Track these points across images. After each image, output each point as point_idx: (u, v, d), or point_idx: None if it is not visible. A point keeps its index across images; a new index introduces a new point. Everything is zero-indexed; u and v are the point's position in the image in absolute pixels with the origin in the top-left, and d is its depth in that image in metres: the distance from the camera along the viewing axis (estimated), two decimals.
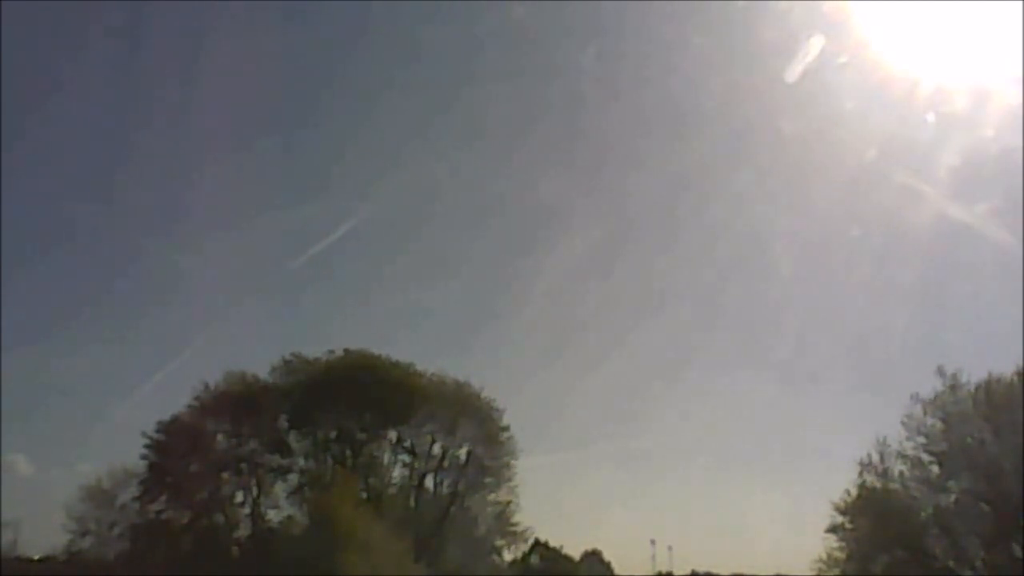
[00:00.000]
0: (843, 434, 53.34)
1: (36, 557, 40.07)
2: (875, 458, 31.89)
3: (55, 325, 58.90)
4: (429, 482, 42.87)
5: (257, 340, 55.01)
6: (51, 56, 53.44)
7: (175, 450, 38.67)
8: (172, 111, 58.89)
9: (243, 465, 40.73)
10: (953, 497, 30.96)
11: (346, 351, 42.46)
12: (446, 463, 42.55)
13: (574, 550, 55.23)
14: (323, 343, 43.73)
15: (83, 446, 56.83)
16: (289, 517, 40.67)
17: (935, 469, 31.26)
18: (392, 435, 42.62)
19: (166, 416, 40.06)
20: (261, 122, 61.48)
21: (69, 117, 55.70)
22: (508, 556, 45.80)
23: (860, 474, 32.15)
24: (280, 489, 41.31)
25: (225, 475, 40.39)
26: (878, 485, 32.02)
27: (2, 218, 51.44)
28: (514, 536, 44.27)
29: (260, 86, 57.09)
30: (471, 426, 42.12)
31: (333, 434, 42.13)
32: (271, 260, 64.67)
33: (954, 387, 30.82)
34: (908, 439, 31.35)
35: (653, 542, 56.01)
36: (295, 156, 64.79)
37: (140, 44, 54.58)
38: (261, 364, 42.73)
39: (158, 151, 58.58)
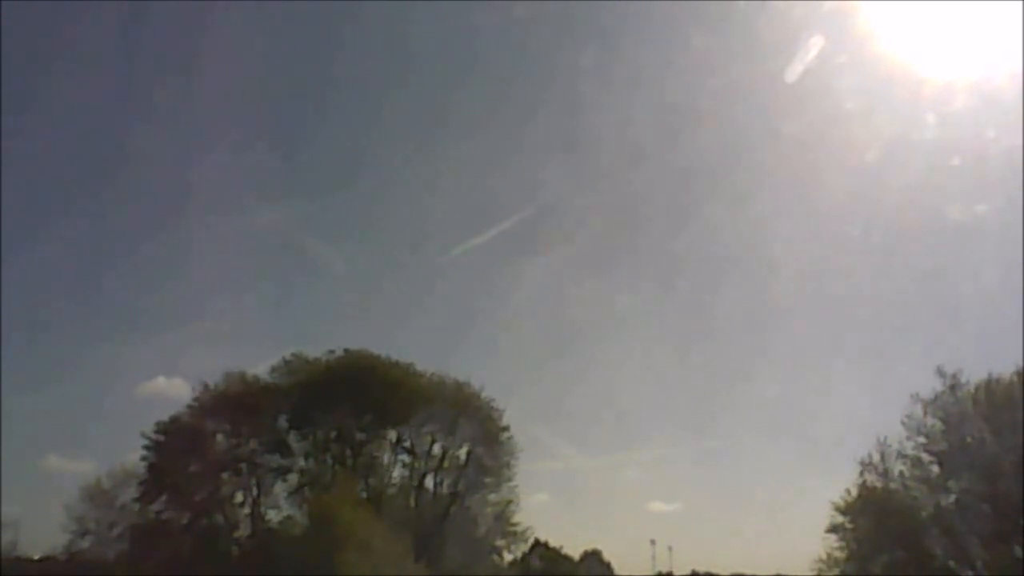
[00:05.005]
0: (843, 434, 53.41)
1: (36, 557, 40.06)
2: (875, 458, 31.91)
3: (55, 325, 58.95)
4: (429, 482, 42.89)
5: (257, 340, 54.98)
6: (50, 55, 53.51)
7: (175, 450, 38.67)
8: (171, 109, 59.12)
9: (243, 465, 40.73)
10: (953, 497, 30.94)
11: (346, 351, 42.45)
12: (446, 463, 42.52)
13: (574, 550, 55.33)
14: (323, 343, 43.78)
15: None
16: (289, 517, 40.74)
17: (935, 469, 31.25)
18: (392, 435, 42.61)
19: (165, 416, 40.24)
20: (261, 120, 61.57)
21: (67, 117, 55.80)
22: (508, 556, 45.80)
23: (860, 474, 32.19)
24: (280, 489, 41.40)
25: (225, 475, 40.38)
26: (878, 485, 32.02)
27: (2, 219, 51.42)
28: (514, 536, 44.22)
29: (259, 83, 57.27)
30: (471, 426, 42.07)
31: (333, 434, 42.08)
32: (271, 259, 64.74)
33: (954, 387, 30.79)
34: (908, 439, 31.36)
35: (653, 542, 56.06)
36: (295, 154, 64.96)
37: (140, 43, 54.65)
38: (261, 364, 42.84)
39: (157, 150, 58.75)
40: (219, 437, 40.45)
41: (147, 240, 62.11)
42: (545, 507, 56.29)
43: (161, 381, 51.82)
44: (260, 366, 42.77)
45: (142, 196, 59.86)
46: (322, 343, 43.40)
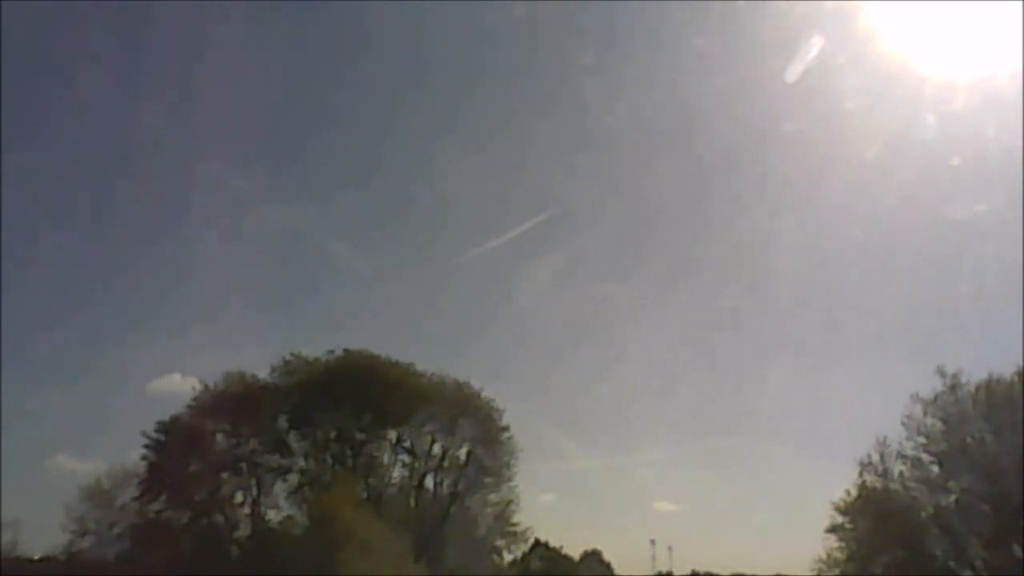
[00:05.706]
0: (843, 434, 53.52)
1: (36, 557, 40.02)
2: (875, 458, 32.00)
3: (64, 324, 59.02)
4: (429, 482, 42.84)
5: (257, 340, 54.97)
6: (56, 55, 53.49)
7: (175, 450, 38.63)
8: (172, 111, 59.09)
9: (243, 465, 40.67)
10: (953, 497, 30.97)
11: (346, 351, 42.35)
12: (446, 463, 42.48)
13: (574, 550, 55.33)
14: (323, 343, 43.69)
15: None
16: (289, 517, 40.66)
17: (935, 469, 31.29)
18: (392, 435, 42.55)
19: (166, 416, 40.22)
20: (270, 121, 61.56)
21: (74, 116, 55.82)
22: (508, 556, 45.80)
23: (860, 474, 32.27)
24: (280, 489, 41.30)
25: (225, 475, 40.30)
26: (878, 485, 32.06)
27: (2, 219, 51.42)
28: (514, 536, 44.24)
29: (267, 84, 57.30)
30: (471, 426, 42.04)
31: (333, 434, 42.02)
32: (271, 259, 64.74)
33: (954, 387, 30.86)
34: (908, 439, 31.46)
35: (653, 542, 56.07)
36: (306, 156, 64.94)
37: (141, 43, 54.66)
38: (261, 364, 42.78)
39: (158, 151, 58.75)
40: (219, 437, 40.37)
41: (153, 240, 62.20)
42: (552, 507, 56.57)
43: (176, 379, 51.61)
44: (260, 366, 42.77)
45: (150, 196, 59.80)
46: (335, 344, 43.13)
